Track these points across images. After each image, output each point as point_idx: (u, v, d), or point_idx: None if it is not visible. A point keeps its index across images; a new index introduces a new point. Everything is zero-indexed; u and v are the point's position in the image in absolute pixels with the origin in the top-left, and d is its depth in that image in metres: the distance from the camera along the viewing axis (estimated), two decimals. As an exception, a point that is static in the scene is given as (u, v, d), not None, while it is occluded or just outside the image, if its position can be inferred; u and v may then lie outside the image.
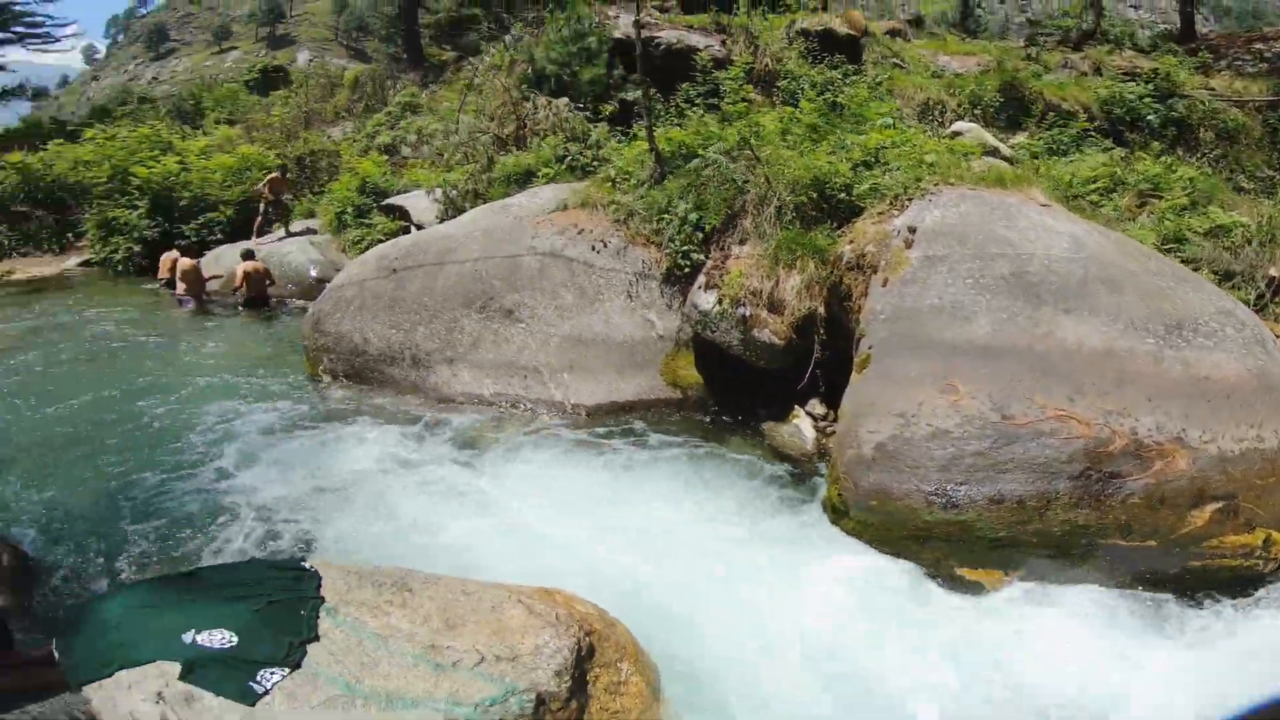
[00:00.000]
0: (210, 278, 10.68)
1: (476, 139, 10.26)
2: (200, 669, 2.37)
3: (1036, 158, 7.99)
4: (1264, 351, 4.23)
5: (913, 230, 5.09)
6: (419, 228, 9.55)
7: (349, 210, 11.48)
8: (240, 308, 10.00)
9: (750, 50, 10.05)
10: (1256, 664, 3.11)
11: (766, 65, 9.91)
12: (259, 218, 12.25)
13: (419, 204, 10.21)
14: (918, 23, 19.90)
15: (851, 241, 5.49)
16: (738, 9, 10.93)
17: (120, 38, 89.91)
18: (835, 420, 5.04)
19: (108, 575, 3.81)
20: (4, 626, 2.38)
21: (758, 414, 5.63)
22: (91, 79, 78.13)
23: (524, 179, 8.88)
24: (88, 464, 5.06)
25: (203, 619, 2.55)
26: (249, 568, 3.32)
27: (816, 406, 5.50)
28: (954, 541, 3.76)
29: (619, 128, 9.49)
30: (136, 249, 12.78)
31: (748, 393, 5.73)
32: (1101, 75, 11.14)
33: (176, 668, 2.40)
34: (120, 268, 12.81)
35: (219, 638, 2.49)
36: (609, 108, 9.95)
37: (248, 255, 10.15)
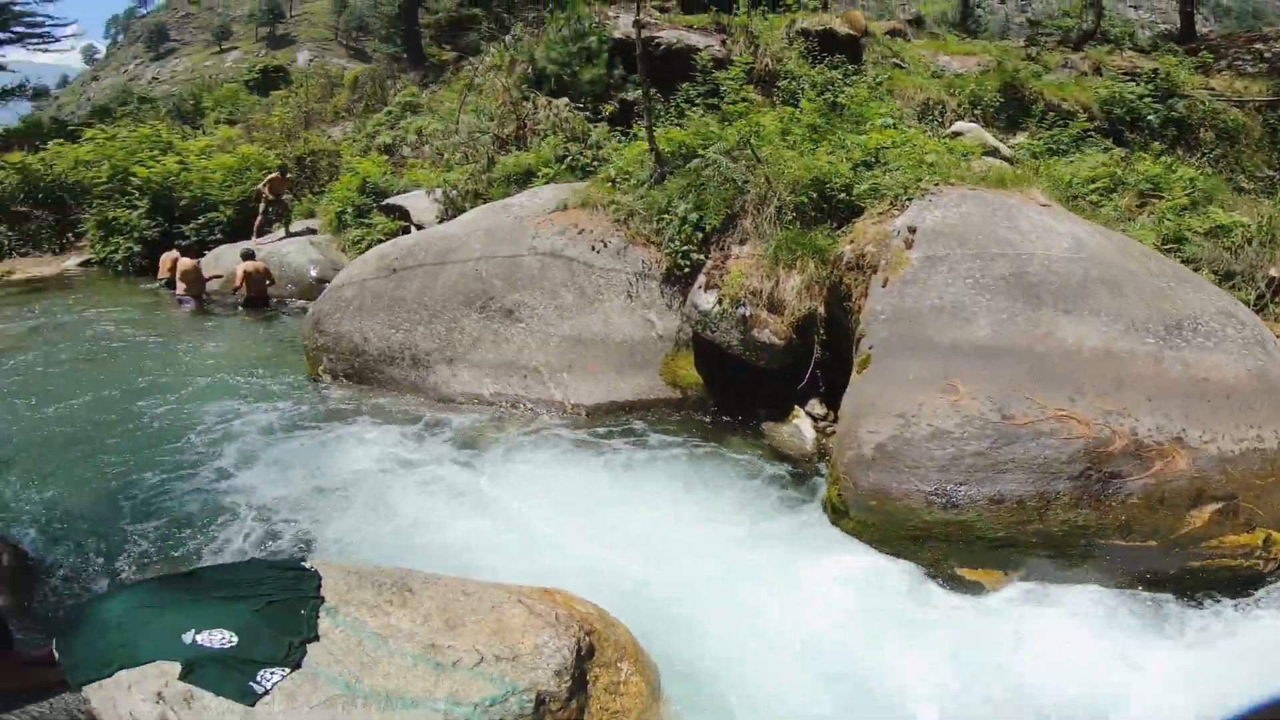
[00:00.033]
0: (210, 278, 10.69)
1: (477, 139, 10.27)
2: (200, 669, 2.37)
3: (1037, 158, 7.98)
4: (1264, 352, 4.23)
5: (913, 230, 5.09)
6: (419, 227, 9.55)
7: (349, 210, 11.48)
8: (240, 308, 10.01)
9: (750, 50, 10.05)
10: (1257, 664, 3.11)
11: (766, 65, 9.92)
12: (259, 217, 12.26)
13: (419, 204, 10.21)
14: (918, 23, 19.87)
15: (851, 241, 5.49)
16: (738, 9, 10.94)
17: (120, 37, 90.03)
18: (835, 420, 5.04)
19: (107, 575, 3.81)
20: (4, 626, 2.38)
21: (757, 414, 5.63)
22: (91, 79, 78.22)
23: (524, 179, 8.88)
24: (88, 464, 5.06)
25: (203, 619, 2.55)
26: (249, 567, 3.32)
27: (816, 407, 5.51)
28: (954, 542, 3.76)
29: (619, 128, 9.50)
30: (136, 249, 12.80)
31: (748, 393, 5.73)
32: (1101, 75, 11.14)
33: (176, 668, 2.39)
34: (120, 268, 12.82)
35: (219, 638, 2.49)
36: (609, 108, 9.96)
37: (248, 255, 10.15)
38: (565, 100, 10.06)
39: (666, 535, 4.09)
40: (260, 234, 12.16)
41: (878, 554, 3.87)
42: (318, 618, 2.61)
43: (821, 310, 5.40)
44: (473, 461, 5.03)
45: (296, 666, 2.42)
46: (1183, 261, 5.75)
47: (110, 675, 2.40)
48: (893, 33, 12.97)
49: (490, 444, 5.27)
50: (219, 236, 12.80)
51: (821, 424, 5.40)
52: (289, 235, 11.93)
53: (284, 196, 12.44)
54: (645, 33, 8.57)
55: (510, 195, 8.08)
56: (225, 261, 10.94)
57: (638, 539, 4.02)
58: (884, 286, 4.90)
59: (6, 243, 14.95)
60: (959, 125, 8.36)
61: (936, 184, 5.56)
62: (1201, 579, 3.61)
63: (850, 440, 4.22)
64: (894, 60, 10.94)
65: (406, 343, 6.37)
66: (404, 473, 4.86)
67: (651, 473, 4.86)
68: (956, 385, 4.11)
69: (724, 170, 6.27)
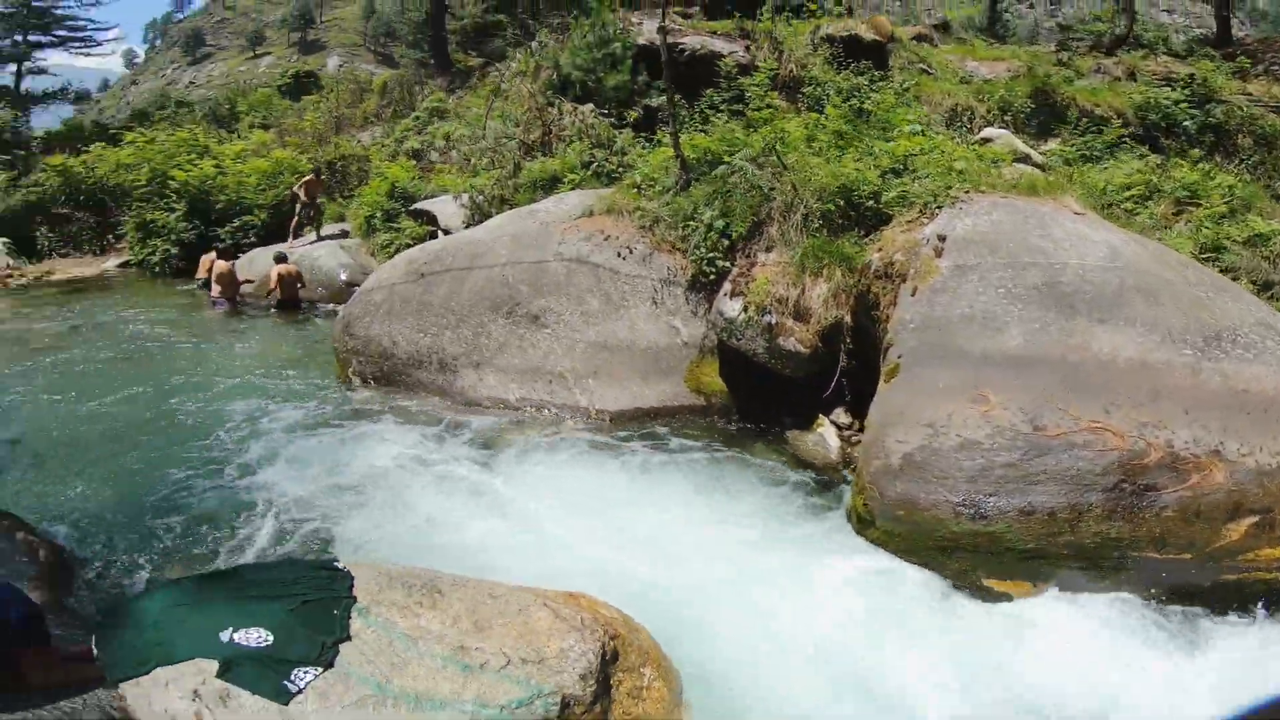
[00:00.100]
0: (244, 281, 10.90)
1: (503, 144, 10.35)
2: (237, 667, 2.42)
3: (1070, 164, 7.85)
4: (1306, 364, 4.12)
5: (943, 238, 5.04)
6: (446, 232, 9.66)
7: (378, 215, 11.65)
8: (273, 310, 10.20)
9: (775, 56, 10.01)
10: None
11: (791, 71, 9.87)
12: (294, 219, 12.48)
13: (446, 209, 10.32)
14: (944, 28, 19.68)
15: (880, 250, 5.45)
16: (762, 15, 10.91)
17: (158, 42, 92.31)
18: (861, 430, 5.00)
19: (139, 570, 3.88)
20: (41, 621, 2.42)
21: (782, 422, 5.60)
22: (131, 83, 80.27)
23: (550, 184, 8.94)
24: (121, 460, 5.20)
25: (239, 618, 2.61)
26: (283, 567, 3.38)
27: (842, 416, 5.47)
28: (982, 553, 3.72)
29: (644, 134, 9.52)
30: (174, 251, 13.09)
31: (773, 401, 5.71)
32: (1136, 80, 10.94)
33: (214, 665, 2.44)
34: (157, 269, 13.12)
35: (255, 636, 2.54)
36: (634, 114, 9.98)
37: (281, 258, 10.34)
38: (590, 106, 10.11)
39: (686, 539, 4.08)
40: (295, 235, 12.38)
41: (903, 563, 3.82)
42: (350, 618, 2.65)
43: (848, 319, 5.37)
44: (495, 464, 5.07)
45: (329, 666, 2.46)
46: (1221, 271, 5.62)
47: (148, 673, 2.44)
48: (919, 38, 12.86)
49: (513, 447, 5.32)
50: (253, 239, 13.04)
51: (847, 433, 5.36)
52: (320, 239, 12.14)
53: (318, 199, 12.66)
54: (669, 39, 8.58)
55: (536, 201, 8.13)
56: (259, 264, 11.16)
57: (657, 543, 4.02)
58: (913, 295, 4.86)
59: (48, 244, 15.38)
60: (988, 131, 8.25)
61: (966, 191, 5.51)
62: (1237, 592, 3.52)
63: (877, 449, 4.18)
64: (921, 66, 10.83)
65: (434, 347, 6.44)
66: (426, 474, 4.92)
67: (673, 477, 4.86)
68: (987, 395, 4.06)
69: (750, 177, 6.26)
